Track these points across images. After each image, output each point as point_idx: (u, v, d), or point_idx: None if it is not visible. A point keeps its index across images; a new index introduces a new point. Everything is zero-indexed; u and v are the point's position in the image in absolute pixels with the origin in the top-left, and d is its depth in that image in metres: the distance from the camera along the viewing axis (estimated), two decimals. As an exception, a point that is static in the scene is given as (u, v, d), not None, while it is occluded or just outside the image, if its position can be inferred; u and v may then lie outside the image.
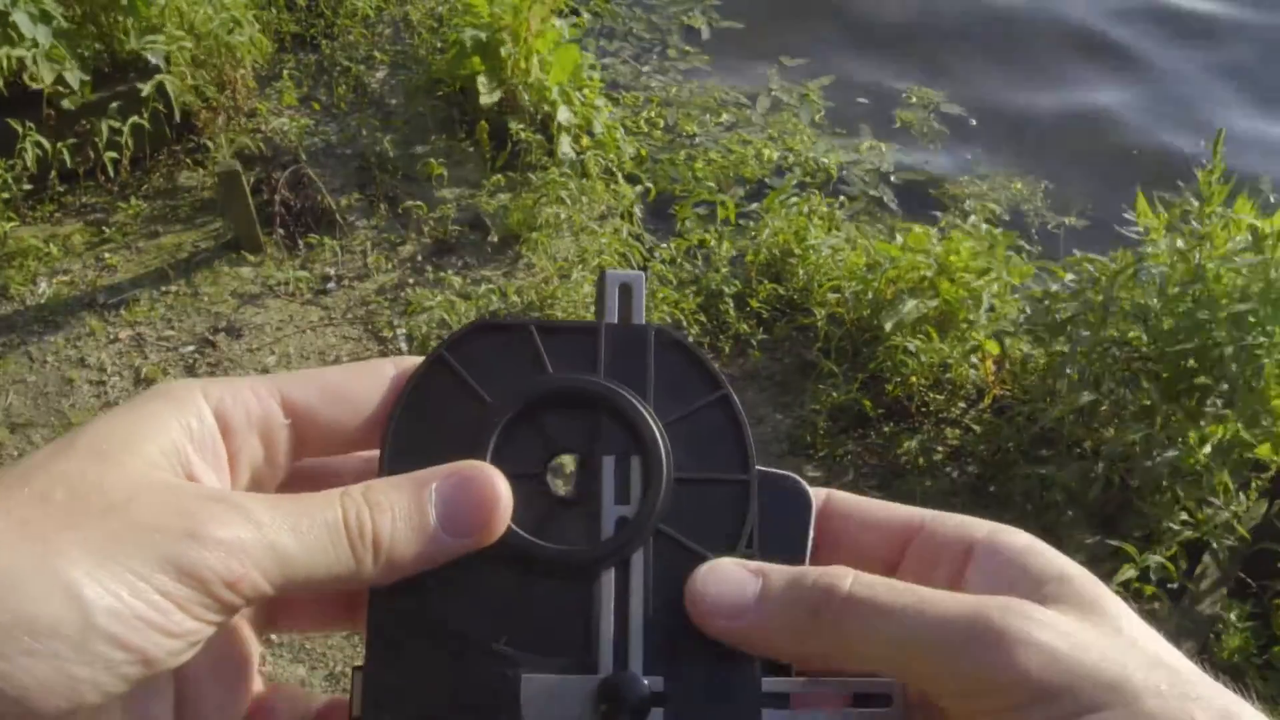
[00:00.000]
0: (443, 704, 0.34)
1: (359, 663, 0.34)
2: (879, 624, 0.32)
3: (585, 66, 3.80)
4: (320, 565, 0.33)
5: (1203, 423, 2.39)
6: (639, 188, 3.66)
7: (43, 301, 3.13)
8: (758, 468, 0.37)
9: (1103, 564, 2.37)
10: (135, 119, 3.32)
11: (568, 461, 0.38)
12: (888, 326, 2.86)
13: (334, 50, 4.12)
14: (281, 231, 3.33)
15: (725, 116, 4.21)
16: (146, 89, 3.30)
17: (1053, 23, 5.01)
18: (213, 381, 0.37)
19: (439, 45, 4.03)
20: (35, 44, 3.08)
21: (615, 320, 0.38)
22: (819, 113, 4.29)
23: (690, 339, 0.36)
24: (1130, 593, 2.30)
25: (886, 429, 2.92)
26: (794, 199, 3.46)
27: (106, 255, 3.28)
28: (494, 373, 0.37)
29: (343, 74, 4.01)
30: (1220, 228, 2.49)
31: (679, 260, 3.38)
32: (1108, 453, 2.54)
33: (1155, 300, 2.48)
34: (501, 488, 0.35)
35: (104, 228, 3.35)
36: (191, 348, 3.03)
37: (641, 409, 0.36)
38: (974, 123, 4.37)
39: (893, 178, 4.01)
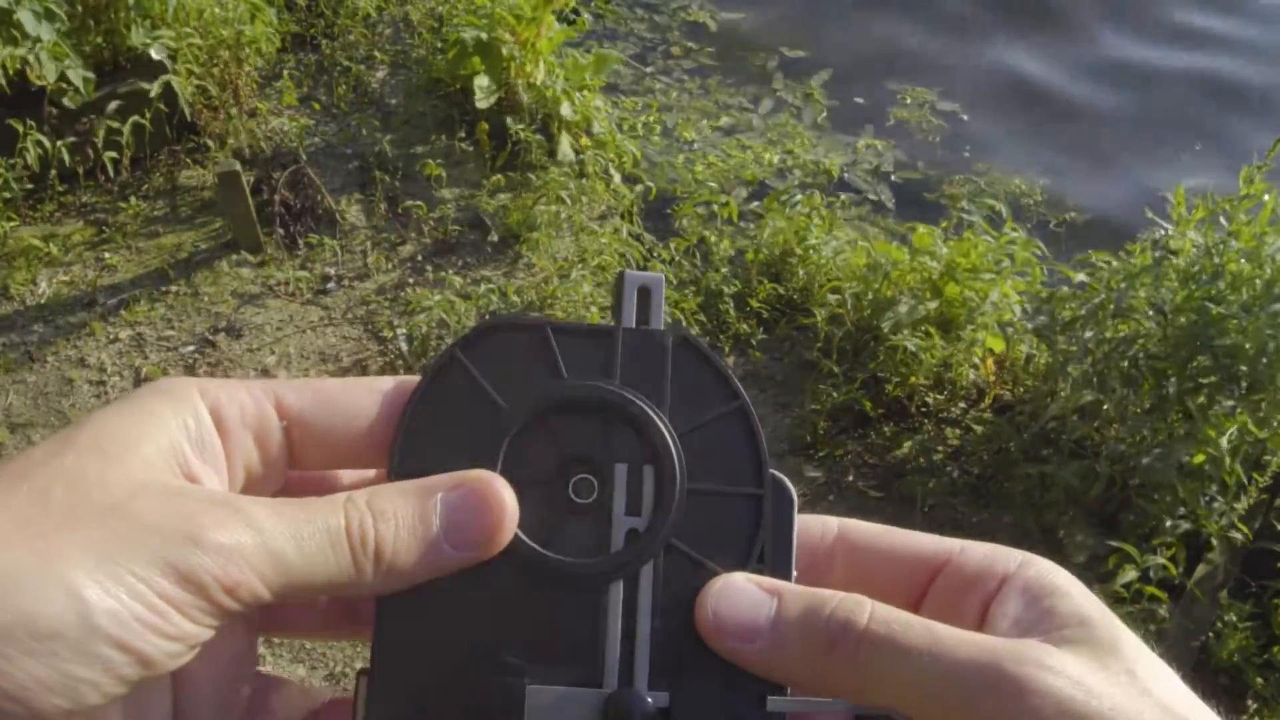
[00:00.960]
0: (446, 711, 0.33)
1: (363, 665, 0.34)
2: (894, 664, 0.32)
3: (598, 66, 3.79)
4: (320, 572, 0.32)
5: (1210, 420, 2.39)
6: (639, 187, 3.66)
7: (43, 301, 3.13)
8: None
9: (1103, 564, 2.37)
10: (136, 118, 3.32)
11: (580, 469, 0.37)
12: (886, 327, 2.86)
13: (334, 50, 4.12)
14: (281, 231, 3.33)
15: (725, 120, 4.21)
16: (154, 89, 3.30)
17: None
18: (209, 380, 0.36)
19: (439, 45, 4.03)
20: (39, 42, 3.08)
21: (632, 324, 0.37)
22: (821, 114, 4.30)
23: (708, 347, 0.36)
24: (1131, 593, 2.30)
25: (886, 429, 2.91)
26: (795, 199, 3.46)
27: (106, 255, 3.28)
28: (507, 374, 0.36)
29: (343, 74, 4.01)
30: (1247, 224, 2.49)
31: (679, 260, 3.38)
32: (1110, 451, 2.54)
33: (1177, 295, 2.48)
34: (509, 501, 0.34)
35: (104, 228, 3.35)
36: (191, 348, 3.03)
37: (656, 418, 0.36)
38: (966, 118, 4.37)
39: (893, 177, 4.01)
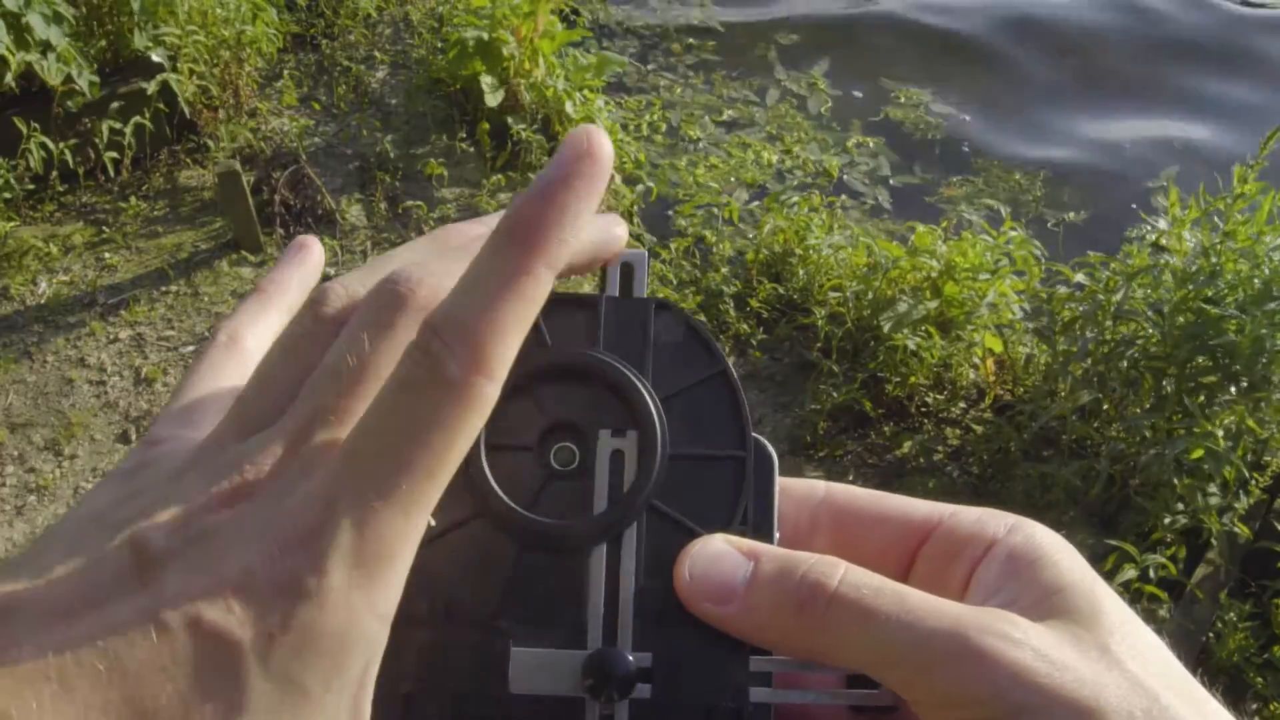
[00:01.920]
0: (430, 671, 0.34)
1: None
2: (860, 629, 0.32)
3: (600, 68, 3.80)
4: None
5: (1208, 417, 2.39)
6: (640, 187, 3.67)
7: (43, 301, 3.13)
8: None
9: (1103, 563, 2.38)
10: (137, 119, 3.32)
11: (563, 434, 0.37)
12: (886, 327, 2.86)
13: (334, 50, 4.12)
14: (281, 231, 3.34)
15: (729, 114, 4.21)
16: (152, 87, 3.30)
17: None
18: None
19: (439, 45, 4.03)
20: (48, 44, 3.09)
21: (615, 294, 0.38)
22: (826, 105, 4.31)
23: (689, 313, 0.36)
24: (1131, 593, 2.31)
25: (886, 429, 2.92)
26: (794, 199, 3.46)
27: (106, 255, 3.28)
28: None
29: (343, 74, 4.01)
30: (1244, 223, 2.50)
31: (678, 260, 3.38)
32: (1110, 450, 2.55)
33: (1174, 295, 2.48)
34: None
35: (104, 228, 3.35)
36: (191, 348, 3.03)
37: (638, 383, 0.36)
38: (966, 118, 4.38)
39: (892, 181, 4.01)
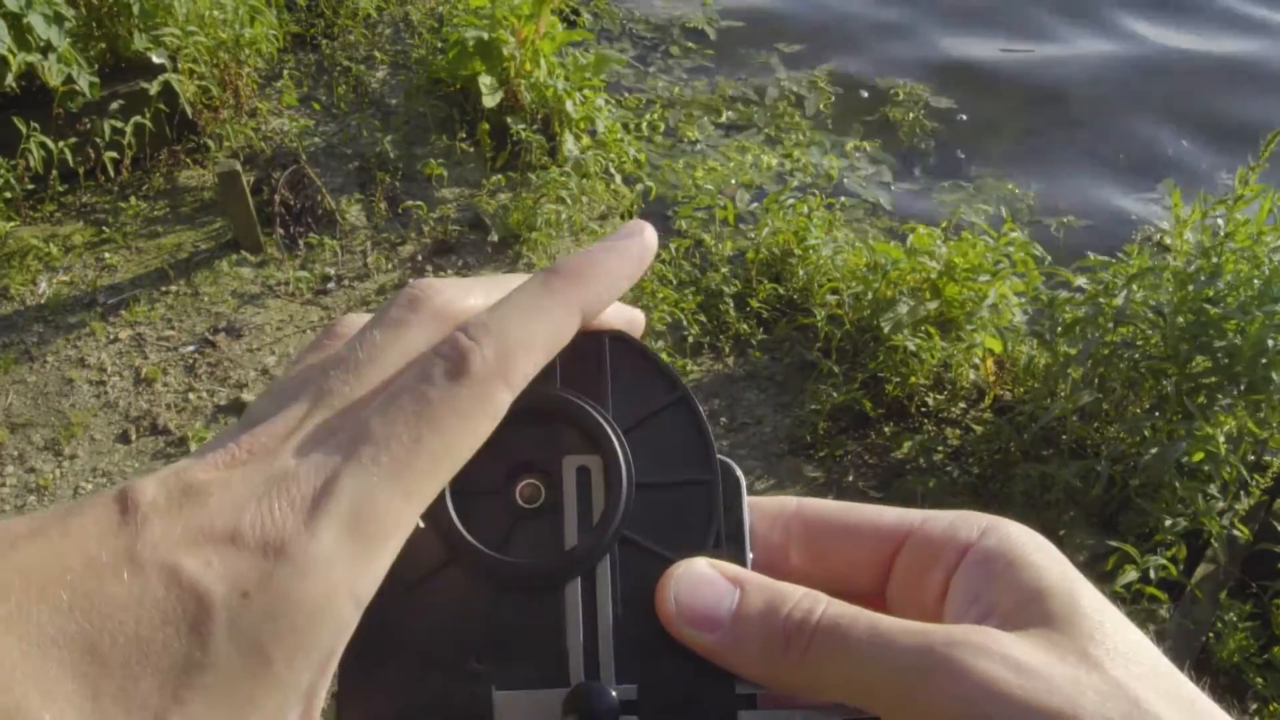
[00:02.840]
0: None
1: (333, 688, 0.34)
2: (839, 660, 0.32)
3: (599, 66, 3.80)
4: None
5: (1208, 418, 2.39)
6: (639, 186, 3.67)
7: (43, 301, 3.13)
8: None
9: (1104, 564, 2.38)
10: (137, 119, 3.32)
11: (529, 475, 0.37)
12: (885, 327, 2.86)
13: (334, 50, 4.12)
14: (281, 231, 3.34)
15: (729, 114, 4.21)
16: (153, 87, 3.30)
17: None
18: None
19: (439, 45, 4.03)
20: (49, 45, 3.09)
21: None
22: (827, 100, 4.31)
23: (643, 343, 0.36)
24: (1131, 594, 2.31)
25: (886, 429, 2.92)
26: (792, 200, 3.46)
27: (106, 255, 3.28)
28: None
29: (343, 74, 4.01)
30: (1244, 224, 2.49)
31: (678, 260, 3.38)
32: (1111, 451, 2.55)
33: (1175, 296, 2.48)
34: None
35: (104, 228, 3.35)
36: (191, 348, 3.03)
37: (599, 417, 0.36)
38: (964, 117, 4.38)
39: (892, 186, 4.01)
